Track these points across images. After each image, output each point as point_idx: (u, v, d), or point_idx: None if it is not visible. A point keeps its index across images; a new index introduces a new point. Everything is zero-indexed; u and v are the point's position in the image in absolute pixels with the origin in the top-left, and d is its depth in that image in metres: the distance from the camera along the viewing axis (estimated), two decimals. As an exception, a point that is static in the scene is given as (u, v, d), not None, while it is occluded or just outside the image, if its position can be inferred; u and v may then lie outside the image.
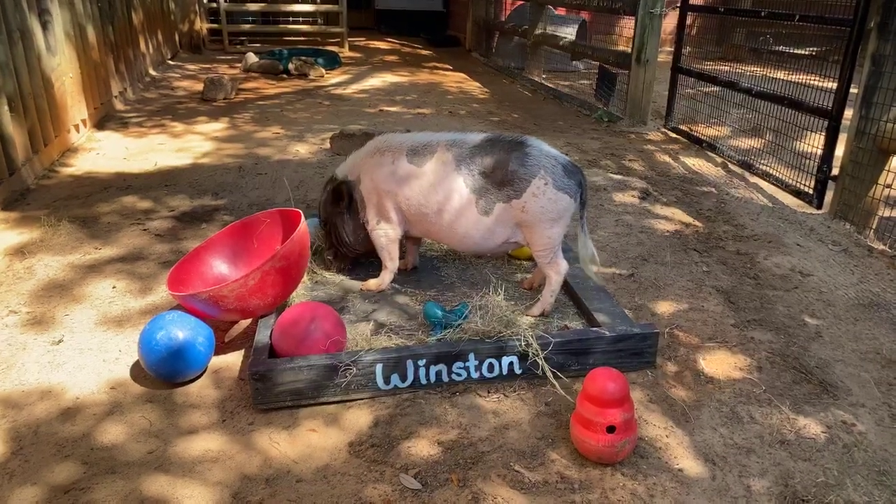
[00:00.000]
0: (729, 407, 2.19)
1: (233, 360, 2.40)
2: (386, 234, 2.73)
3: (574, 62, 8.92)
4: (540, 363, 2.21)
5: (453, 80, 8.47)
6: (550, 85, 7.72)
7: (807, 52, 5.49)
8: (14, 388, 2.22)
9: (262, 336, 2.29)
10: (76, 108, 4.94)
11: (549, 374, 2.20)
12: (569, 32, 8.21)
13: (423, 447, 1.98)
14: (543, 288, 2.62)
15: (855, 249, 3.39)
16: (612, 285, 2.95)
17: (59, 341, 2.48)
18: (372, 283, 2.80)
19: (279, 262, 2.31)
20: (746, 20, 7.76)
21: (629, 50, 5.94)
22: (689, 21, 5.84)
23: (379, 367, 2.16)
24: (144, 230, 3.44)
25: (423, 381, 2.20)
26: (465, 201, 2.55)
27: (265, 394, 2.10)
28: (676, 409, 2.17)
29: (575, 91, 7.50)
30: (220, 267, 2.68)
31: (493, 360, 2.24)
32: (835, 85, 3.84)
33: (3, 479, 1.84)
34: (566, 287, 2.74)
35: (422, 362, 2.19)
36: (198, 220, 3.59)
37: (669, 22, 7.65)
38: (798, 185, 4.16)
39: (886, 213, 3.57)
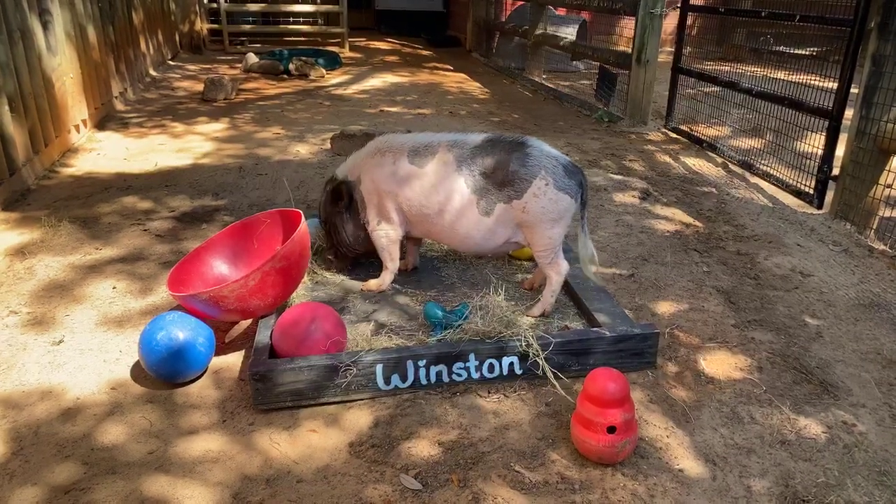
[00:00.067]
0: (729, 407, 2.19)
1: (233, 361, 2.40)
2: (387, 235, 2.73)
3: (574, 62, 8.93)
4: (540, 363, 2.21)
5: (454, 80, 8.46)
6: (551, 85, 7.72)
7: (807, 53, 5.48)
8: (14, 389, 2.22)
9: (263, 336, 2.29)
10: (77, 109, 4.94)
11: (549, 374, 2.20)
12: (569, 33, 8.21)
13: (423, 447, 1.98)
14: (544, 288, 2.62)
15: (855, 250, 3.39)
16: (613, 285, 2.95)
17: (60, 342, 2.48)
18: (372, 284, 2.81)
19: (279, 262, 2.31)
20: (747, 20, 7.74)
21: (629, 50, 5.94)
22: (689, 21, 5.84)
23: (379, 368, 2.16)
24: (145, 230, 3.44)
25: (424, 382, 2.20)
26: (466, 202, 2.55)
27: (265, 394, 2.10)
28: (677, 410, 2.17)
29: (575, 91, 7.49)
30: (220, 267, 2.68)
31: (494, 361, 2.24)
32: (835, 85, 3.84)
33: (3, 480, 1.84)
34: (566, 287, 2.74)
35: (422, 363, 2.19)
36: (198, 221, 3.59)
37: (670, 22, 7.65)
38: (798, 185, 4.15)
39: (887, 214, 3.57)
